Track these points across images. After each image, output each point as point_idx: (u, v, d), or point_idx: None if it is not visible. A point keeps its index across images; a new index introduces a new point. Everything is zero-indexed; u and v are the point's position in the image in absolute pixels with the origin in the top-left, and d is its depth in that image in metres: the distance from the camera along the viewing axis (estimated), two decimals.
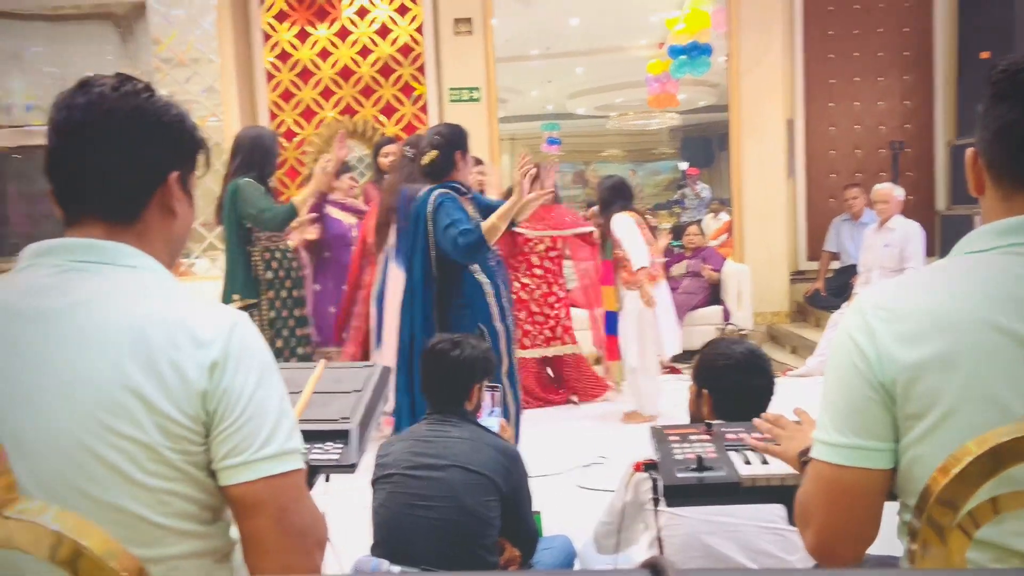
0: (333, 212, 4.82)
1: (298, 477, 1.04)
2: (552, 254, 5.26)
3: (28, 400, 0.95)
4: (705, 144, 14.12)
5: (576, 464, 3.97)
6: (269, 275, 3.93)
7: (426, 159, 3.28)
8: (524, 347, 5.13)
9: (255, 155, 3.89)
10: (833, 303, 6.15)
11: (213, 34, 6.52)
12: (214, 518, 1.05)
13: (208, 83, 6.56)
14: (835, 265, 6.69)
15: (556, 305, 5.25)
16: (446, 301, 3.24)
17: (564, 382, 5.37)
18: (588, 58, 11.08)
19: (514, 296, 5.10)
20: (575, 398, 5.33)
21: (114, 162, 1.05)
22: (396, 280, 4.24)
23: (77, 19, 9.81)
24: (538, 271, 5.22)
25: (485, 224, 3.11)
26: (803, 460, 1.21)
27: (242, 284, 3.87)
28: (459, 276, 3.24)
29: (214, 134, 6.18)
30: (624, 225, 4.65)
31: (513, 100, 11.97)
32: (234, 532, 1.06)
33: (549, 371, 5.43)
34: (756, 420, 1.44)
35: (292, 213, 3.82)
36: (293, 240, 4.31)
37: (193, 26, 6.55)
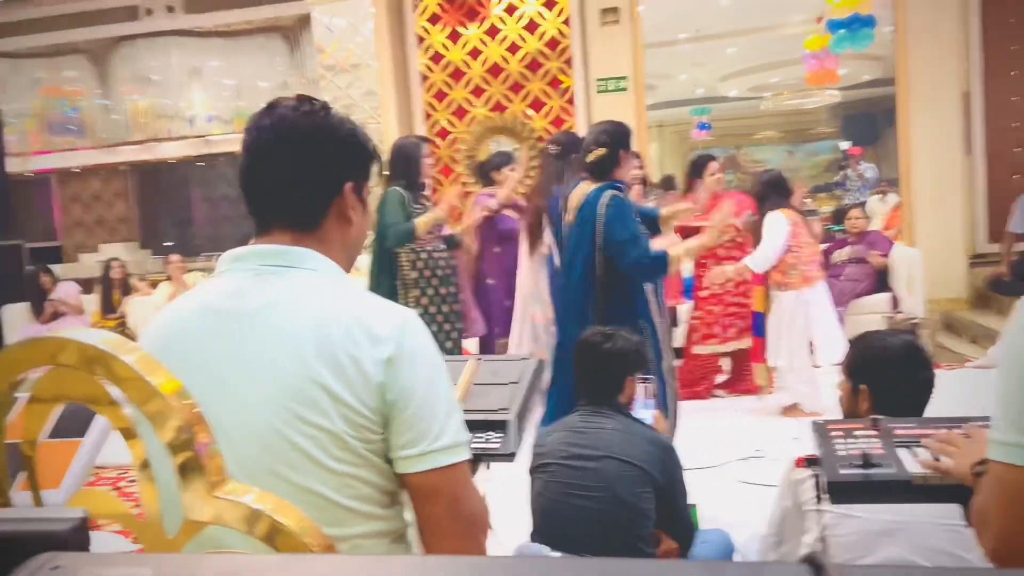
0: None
1: (467, 467, 1.11)
2: (739, 239, 5.05)
3: (228, 391, 1.06)
4: (869, 121, 13.33)
5: (733, 458, 3.89)
6: (414, 275, 4.11)
7: (592, 156, 3.30)
8: (724, 340, 5.03)
9: (398, 164, 4.15)
10: (1019, 288, 5.66)
11: (372, 40, 6.83)
12: (391, 502, 1.13)
13: (368, 87, 6.89)
14: (1021, 247, 6.15)
15: (747, 295, 5.09)
16: (605, 296, 3.24)
17: (741, 375, 5.22)
18: (740, 38, 10.70)
19: (706, 291, 5.04)
20: (722, 392, 5.20)
21: (296, 175, 1.15)
22: (534, 274, 4.32)
23: (249, 34, 10.55)
24: (727, 264, 5.06)
25: (672, 255, 3.11)
26: (976, 472, 1.14)
27: (388, 287, 4.08)
28: (616, 275, 3.24)
29: (374, 137, 6.47)
30: (773, 225, 4.46)
31: (661, 86, 11.77)
32: (408, 514, 1.14)
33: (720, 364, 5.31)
34: (925, 440, 1.35)
35: (410, 235, 4.02)
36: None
37: (354, 33, 6.89)
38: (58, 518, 0.55)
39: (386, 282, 4.10)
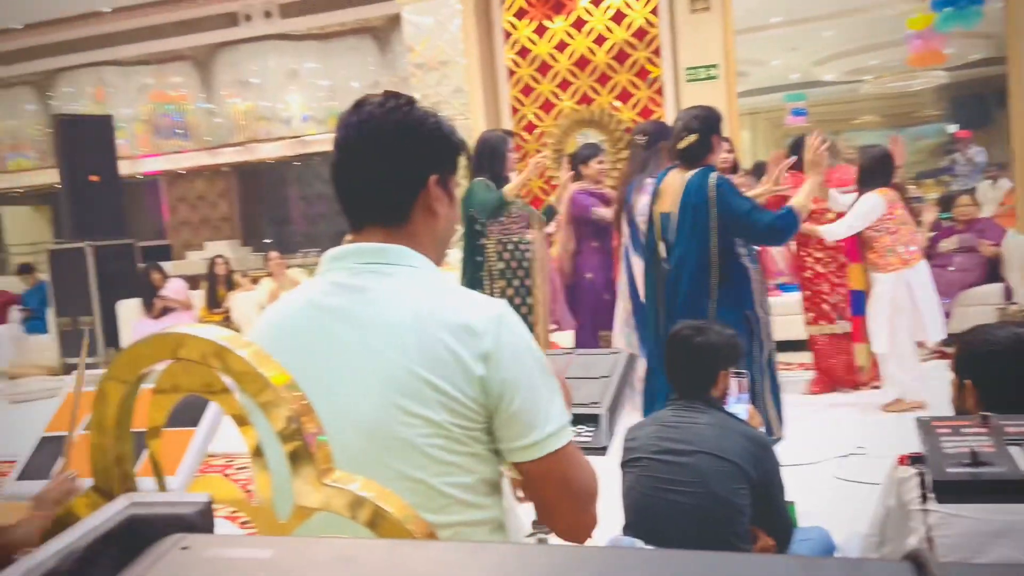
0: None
1: (572, 446, 1.16)
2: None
3: (332, 384, 1.10)
4: (978, 103, 12.65)
5: (833, 454, 3.78)
6: (500, 265, 4.15)
7: (683, 143, 3.26)
8: (832, 321, 4.87)
9: (483, 158, 4.19)
10: None
11: (459, 37, 6.91)
12: (491, 491, 1.16)
13: (456, 84, 6.98)
14: None
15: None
16: (720, 284, 3.19)
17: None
18: (837, 20, 10.33)
19: (809, 272, 4.92)
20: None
21: (382, 170, 1.18)
22: (637, 270, 4.28)
23: (341, 35, 10.83)
24: (830, 244, 4.90)
25: (795, 205, 3.09)
26: None
27: (470, 276, 4.16)
28: (728, 261, 3.20)
29: (463, 133, 6.55)
30: (864, 204, 4.30)
31: (753, 72, 11.46)
32: (506, 503, 1.17)
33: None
34: None
35: (500, 201, 4.06)
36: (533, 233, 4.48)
37: (442, 31, 6.98)
38: (184, 502, 0.59)
39: (472, 274, 4.17)
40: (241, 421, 0.88)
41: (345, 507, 0.78)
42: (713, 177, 3.16)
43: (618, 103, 6.82)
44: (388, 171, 1.18)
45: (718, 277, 3.18)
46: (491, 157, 4.18)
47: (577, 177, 4.89)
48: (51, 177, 10.63)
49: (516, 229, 4.20)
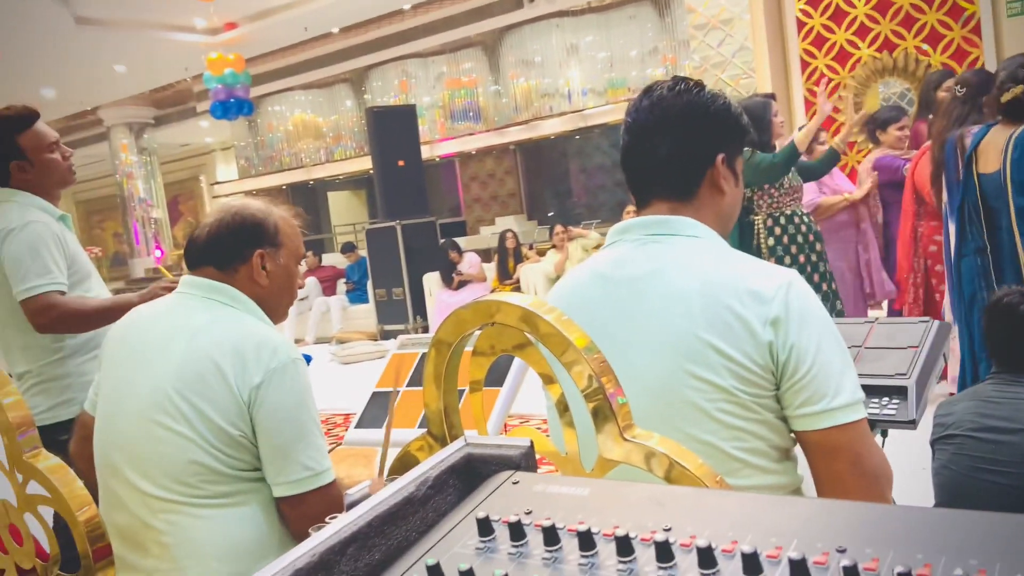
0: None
1: (865, 425, 1.11)
2: None
3: (621, 350, 1.16)
4: None
5: None
6: (771, 241, 3.89)
7: (1008, 95, 2.91)
8: None
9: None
10: None
11: None
12: (783, 457, 1.16)
13: (739, 43, 6.73)
14: None
15: None
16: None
17: None
18: None
19: None
20: None
21: (673, 149, 1.22)
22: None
23: (619, 5, 10.90)
24: None
25: None
26: None
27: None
28: None
29: (747, 92, 6.31)
30: None
31: None
32: (802, 470, 1.16)
33: None
34: None
35: (792, 151, 3.70)
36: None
37: None
38: (511, 444, 0.68)
39: (744, 251, 3.96)
40: (548, 380, 0.97)
41: (643, 461, 0.83)
42: None
43: (927, 47, 6.15)
44: (678, 149, 1.22)
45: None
46: (757, 126, 3.81)
47: (875, 144, 4.50)
48: (366, 164, 11.95)
49: (788, 202, 3.92)
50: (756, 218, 3.93)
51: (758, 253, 3.89)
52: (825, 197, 4.44)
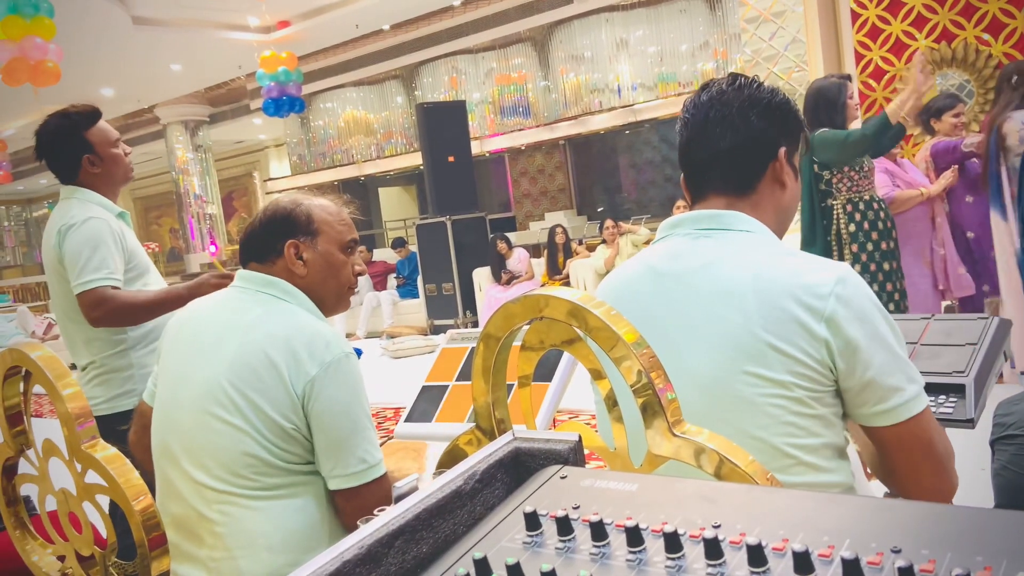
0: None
1: (930, 409, 1.13)
2: None
3: (672, 344, 1.15)
4: None
5: None
6: (852, 227, 3.77)
7: None
8: None
9: (820, 110, 3.71)
10: None
11: None
12: (836, 455, 1.14)
13: (792, 35, 6.61)
14: None
15: None
16: None
17: None
18: None
19: None
20: None
21: (734, 140, 1.21)
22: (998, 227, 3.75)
23: (670, 0, 10.77)
24: None
25: None
26: None
27: (822, 243, 3.81)
28: None
29: (799, 86, 6.21)
30: None
31: None
32: (854, 470, 1.14)
33: None
34: None
35: (884, 122, 3.53)
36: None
37: None
38: (559, 439, 0.68)
39: (819, 238, 3.85)
40: (597, 375, 0.97)
41: (692, 456, 0.82)
42: None
43: (987, 36, 5.96)
44: (741, 142, 1.21)
45: None
46: (830, 108, 3.71)
47: (929, 134, 4.37)
48: (416, 160, 12.05)
49: (866, 185, 3.79)
50: (835, 203, 3.78)
51: (838, 239, 3.78)
52: (900, 191, 4.28)
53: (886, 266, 3.81)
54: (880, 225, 3.79)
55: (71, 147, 2.32)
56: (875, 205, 3.80)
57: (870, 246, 3.76)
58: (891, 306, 3.83)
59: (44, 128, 2.33)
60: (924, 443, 1.11)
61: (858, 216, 3.77)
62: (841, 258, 3.77)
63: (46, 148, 2.34)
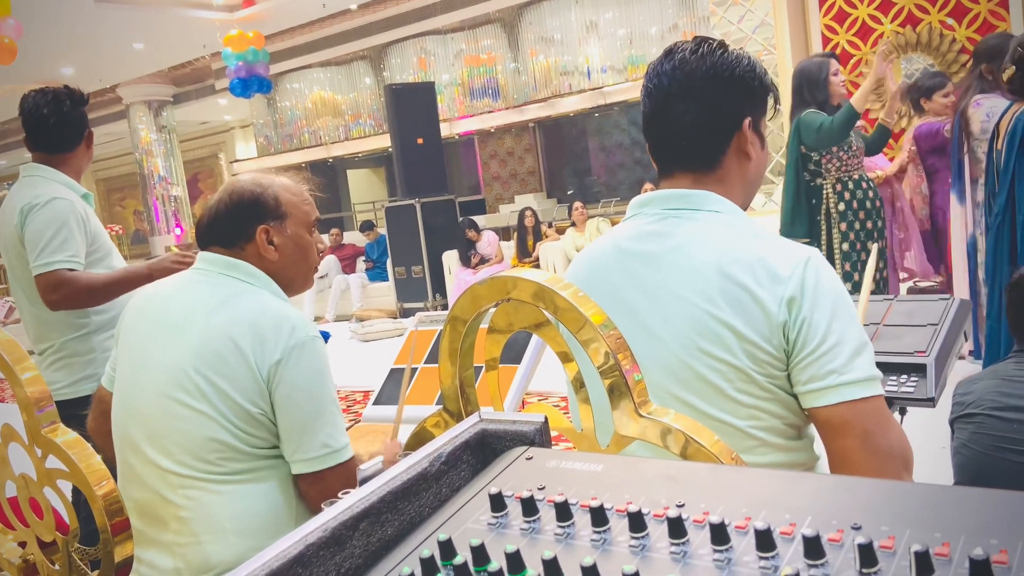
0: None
1: (879, 402, 1.07)
2: None
3: (638, 323, 1.15)
4: None
5: None
6: (841, 206, 3.81)
7: (1006, 74, 2.87)
8: None
9: (804, 89, 3.80)
10: None
11: None
12: (798, 435, 1.14)
13: (760, 19, 6.63)
14: None
15: None
16: None
17: None
18: None
19: None
20: None
21: (697, 115, 1.18)
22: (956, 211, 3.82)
23: None
24: None
25: None
26: None
27: (808, 222, 3.85)
28: None
29: (767, 68, 6.23)
30: None
31: None
32: (817, 448, 1.15)
33: None
34: None
35: (850, 113, 3.60)
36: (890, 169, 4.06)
37: None
38: (525, 420, 0.68)
39: (805, 217, 3.87)
40: (565, 358, 0.97)
41: (658, 437, 0.83)
42: None
43: (951, 20, 6.03)
44: (704, 115, 1.18)
45: None
46: (812, 87, 3.79)
47: (919, 113, 4.40)
48: (385, 142, 11.92)
49: (855, 165, 3.83)
50: (824, 183, 3.83)
51: (827, 218, 3.83)
52: None
53: (871, 245, 3.85)
54: (868, 204, 3.84)
55: (82, 122, 2.35)
56: (864, 184, 3.84)
57: (857, 225, 3.81)
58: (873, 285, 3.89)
59: (60, 97, 2.33)
60: (860, 431, 1.05)
61: (847, 195, 3.81)
62: (830, 237, 3.82)
63: (60, 118, 2.32)
